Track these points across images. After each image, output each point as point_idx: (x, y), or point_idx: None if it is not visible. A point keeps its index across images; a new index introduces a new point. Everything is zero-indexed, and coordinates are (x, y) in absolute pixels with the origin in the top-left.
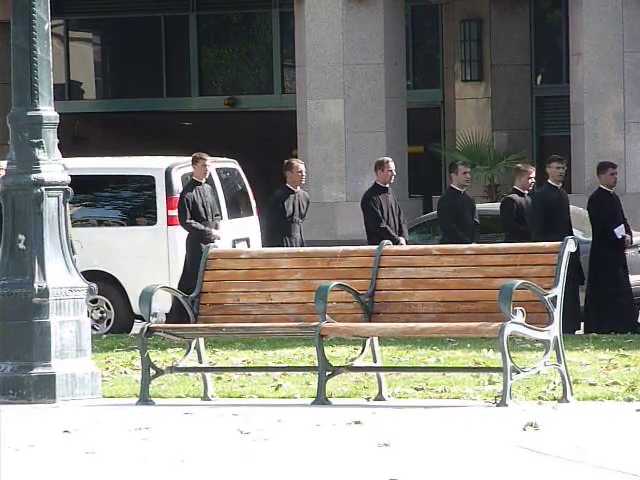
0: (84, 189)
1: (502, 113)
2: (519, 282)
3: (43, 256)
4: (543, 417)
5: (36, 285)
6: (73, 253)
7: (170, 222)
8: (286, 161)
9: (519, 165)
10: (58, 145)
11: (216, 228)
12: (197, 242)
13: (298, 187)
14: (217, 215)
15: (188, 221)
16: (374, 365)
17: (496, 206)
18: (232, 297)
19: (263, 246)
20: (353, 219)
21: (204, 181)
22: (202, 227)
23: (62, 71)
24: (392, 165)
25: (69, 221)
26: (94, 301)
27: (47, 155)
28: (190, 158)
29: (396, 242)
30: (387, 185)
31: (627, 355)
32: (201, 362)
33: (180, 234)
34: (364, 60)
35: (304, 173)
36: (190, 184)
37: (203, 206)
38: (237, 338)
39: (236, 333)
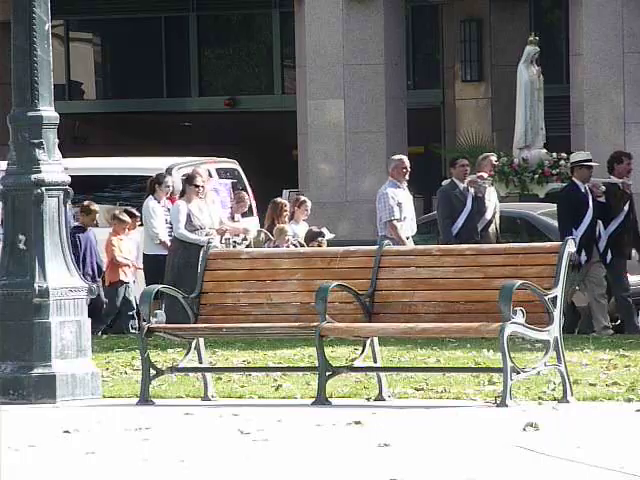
0: (84, 189)
1: (502, 113)
2: (519, 282)
3: (43, 256)
4: (543, 417)
5: (36, 285)
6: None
7: None
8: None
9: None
10: (58, 145)
11: None
12: None
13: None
14: None
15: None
16: (374, 365)
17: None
18: (232, 297)
19: None
20: (353, 219)
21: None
22: None
23: (62, 71)
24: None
25: None
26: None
27: (47, 155)
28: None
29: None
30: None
31: (627, 355)
32: (201, 362)
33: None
34: (364, 60)
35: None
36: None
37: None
38: (237, 338)
39: (236, 333)
